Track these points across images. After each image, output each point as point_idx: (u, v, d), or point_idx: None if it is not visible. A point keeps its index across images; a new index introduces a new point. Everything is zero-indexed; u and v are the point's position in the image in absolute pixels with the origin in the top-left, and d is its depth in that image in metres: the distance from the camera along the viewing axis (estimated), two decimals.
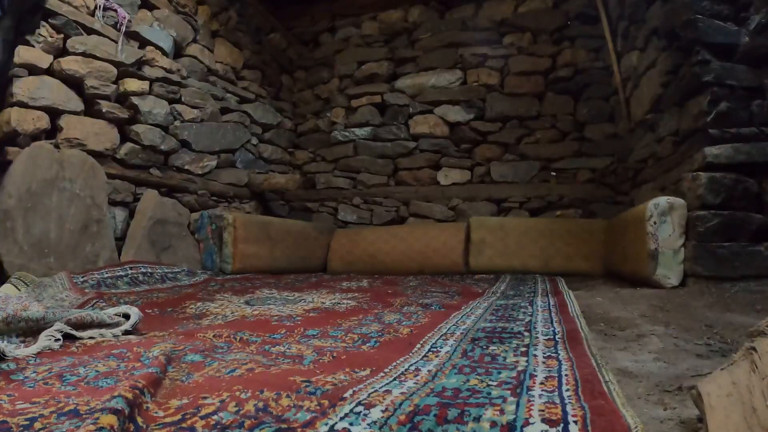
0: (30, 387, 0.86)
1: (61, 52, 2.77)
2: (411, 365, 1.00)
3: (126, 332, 1.33)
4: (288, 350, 1.15)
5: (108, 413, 0.63)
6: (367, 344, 1.23)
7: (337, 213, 4.76)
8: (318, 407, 0.73)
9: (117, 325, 1.33)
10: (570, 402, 0.75)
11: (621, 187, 3.86)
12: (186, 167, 3.62)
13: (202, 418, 0.70)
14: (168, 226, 3.26)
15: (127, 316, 1.38)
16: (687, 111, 2.49)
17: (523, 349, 1.13)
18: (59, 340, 1.17)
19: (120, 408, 0.66)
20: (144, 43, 3.27)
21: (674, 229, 2.28)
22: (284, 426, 0.67)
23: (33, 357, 1.07)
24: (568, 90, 4.25)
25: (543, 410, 0.71)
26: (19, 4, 2.56)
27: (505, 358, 1.05)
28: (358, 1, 4.91)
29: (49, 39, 2.68)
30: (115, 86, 3.04)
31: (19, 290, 1.97)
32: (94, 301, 1.80)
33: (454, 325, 1.46)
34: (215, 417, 0.70)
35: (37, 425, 0.66)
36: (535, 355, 1.06)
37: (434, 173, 4.55)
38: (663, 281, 2.26)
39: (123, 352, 1.09)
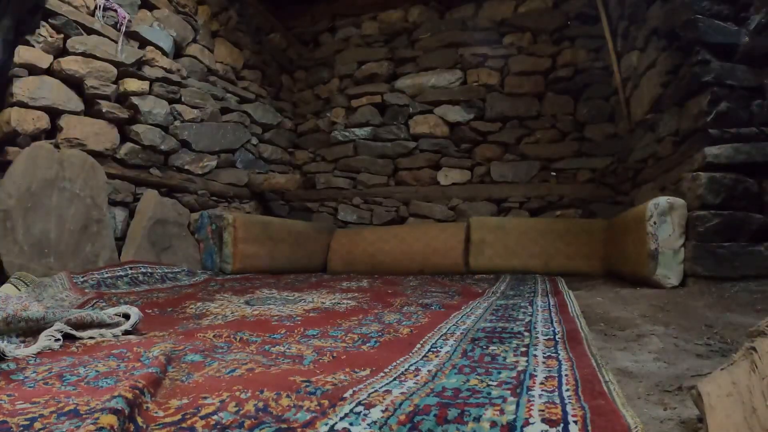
0: (30, 387, 0.85)
1: (61, 52, 2.77)
2: (411, 365, 1.00)
3: (126, 332, 1.33)
4: (288, 350, 1.15)
5: (108, 413, 0.63)
6: (367, 344, 1.22)
7: (337, 213, 4.76)
8: (318, 407, 0.73)
9: (117, 325, 1.33)
10: (570, 402, 0.74)
11: (621, 187, 3.86)
12: (186, 167, 3.62)
13: (202, 418, 0.70)
14: (168, 226, 3.26)
15: (127, 316, 1.38)
16: (687, 111, 2.49)
17: (523, 349, 1.13)
18: (59, 340, 1.17)
19: (120, 408, 0.66)
20: (144, 43, 3.27)
21: (674, 229, 2.28)
22: (284, 426, 0.67)
23: (33, 357, 1.07)
24: (568, 90, 4.26)
25: (543, 410, 0.71)
26: (19, 4, 2.56)
27: (505, 358, 1.05)
28: (358, 1, 4.91)
29: (49, 39, 2.68)
30: (115, 86, 3.04)
31: (19, 290, 1.97)
32: (94, 301, 1.80)
33: (454, 325, 1.46)
34: (215, 417, 0.70)
35: (37, 425, 0.66)
36: (535, 355, 1.06)
37: (434, 173, 4.55)
38: (663, 281, 2.26)
39: (123, 352, 1.09)
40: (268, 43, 4.77)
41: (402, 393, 0.80)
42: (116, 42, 3.04)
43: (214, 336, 1.29)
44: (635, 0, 3.12)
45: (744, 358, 0.67)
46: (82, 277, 2.31)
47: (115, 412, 0.64)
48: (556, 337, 1.26)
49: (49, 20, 2.68)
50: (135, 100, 3.14)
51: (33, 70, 2.61)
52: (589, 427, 0.65)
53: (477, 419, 0.68)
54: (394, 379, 0.89)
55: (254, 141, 4.47)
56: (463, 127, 4.47)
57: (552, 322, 1.47)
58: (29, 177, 2.44)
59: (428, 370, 0.95)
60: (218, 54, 4.06)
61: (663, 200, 2.32)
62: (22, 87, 2.55)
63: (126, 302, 1.90)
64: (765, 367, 0.61)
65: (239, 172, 4.22)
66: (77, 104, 2.83)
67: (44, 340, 1.14)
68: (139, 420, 0.68)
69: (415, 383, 0.86)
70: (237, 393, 0.80)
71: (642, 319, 1.62)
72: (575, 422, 0.66)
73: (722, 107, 2.25)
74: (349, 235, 4.28)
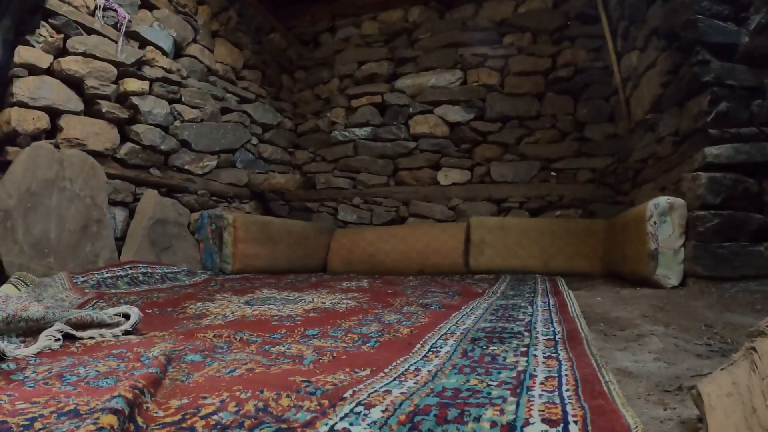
0: (30, 387, 0.86)
1: (61, 52, 2.77)
2: (411, 365, 1.00)
3: (126, 332, 1.33)
4: (288, 350, 1.15)
5: (108, 413, 0.63)
6: (367, 344, 1.23)
7: (337, 213, 4.76)
8: (318, 407, 0.73)
9: (117, 325, 1.33)
10: (570, 402, 0.75)
11: (621, 187, 3.86)
12: (186, 167, 3.62)
13: (202, 418, 0.70)
14: (168, 226, 3.26)
15: (127, 316, 1.38)
16: (687, 111, 2.49)
17: (523, 349, 1.13)
18: (59, 340, 1.17)
19: (120, 408, 0.66)
20: (144, 43, 3.27)
21: (674, 229, 2.28)
22: (284, 426, 0.67)
23: (33, 357, 1.07)
24: (568, 90, 4.25)
25: (543, 410, 0.71)
26: (19, 4, 2.56)
27: (505, 358, 1.05)
28: (358, 1, 4.91)
29: (49, 39, 2.68)
30: (115, 86, 3.04)
31: (19, 290, 1.97)
32: (94, 301, 1.80)
33: (454, 325, 1.46)
34: (215, 417, 0.70)
35: (37, 425, 0.66)
36: (535, 355, 1.06)
37: (434, 173, 4.55)
38: (663, 281, 2.26)
39: (123, 352, 1.09)
40: (268, 43, 4.77)
41: (402, 393, 0.80)
42: (116, 42, 3.04)
43: (214, 336, 1.29)
44: (635, 0, 3.12)
45: (744, 358, 0.67)
46: (82, 277, 2.31)
47: (115, 412, 0.64)
48: (556, 337, 1.26)
49: (49, 20, 2.68)
50: (135, 100, 3.14)
51: (33, 70, 2.61)
52: (589, 427, 0.65)
53: (477, 419, 0.68)
54: (394, 379, 0.89)
55: (254, 141, 4.47)
56: (463, 127, 4.47)
57: (552, 322, 1.47)
58: (29, 177, 2.44)
59: (428, 370, 0.95)
60: (218, 54, 4.06)
61: (663, 200, 2.32)
62: (22, 87, 2.55)
63: (126, 302, 1.90)
64: (765, 367, 0.61)
65: (239, 172, 4.22)
66: (77, 104, 2.84)
67: (44, 340, 1.14)
68: (139, 420, 0.68)
69: (415, 383, 0.86)
70: (237, 393, 0.80)
71: (642, 319, 1.62)
72: (575, 422, 0.66)
73: (722, 107, 2.25)
74: (349, 235, 4.28)
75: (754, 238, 2.19)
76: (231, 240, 3.41)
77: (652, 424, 0.75)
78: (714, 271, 2.16)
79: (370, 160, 4.73)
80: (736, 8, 2.34)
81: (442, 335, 1.31)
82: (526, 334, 1.30)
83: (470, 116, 4.47)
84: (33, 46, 2.61)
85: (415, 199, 4.53)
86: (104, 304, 1.76)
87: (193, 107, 3.68)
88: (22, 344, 1.14)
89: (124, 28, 3.08)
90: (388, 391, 0.81)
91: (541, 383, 0.85)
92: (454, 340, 1.24)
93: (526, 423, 0.67)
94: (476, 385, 0.85)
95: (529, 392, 0.80)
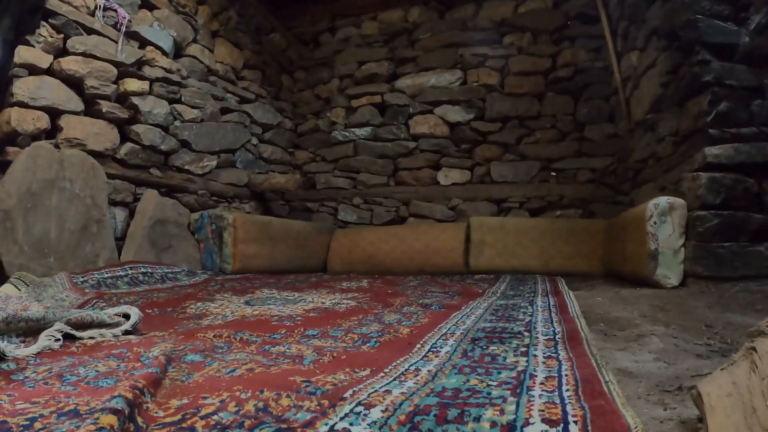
0: (30, 387, 0.86)
1: (61, 52, 2.77)
2: (411, 365, 1.00)
3: (126, 332, 1.33)
4: (288, 350, 1.15)
5: (108, 413, 0.63)
6: (367, 344, 1.22)
7: (337, 213, 4.76)
8: (318, 407, 0.73)
9: (117, 325, 1.33)
10: (570, 402, 0.75)
11: (621, 187, 3.86)
12: (186, 167, 3.62)
13: (202, 418, 0.70)
14: (168, 226, 3.26)
15: (127, 316, 1.38)
16: (687, 111, 2.49)
17: (523, 349, 1.13)
18: (59, 340, 1.17)
19: (120, 408, 0.66)
20: (144, 43, 3.27)
21: (674, 229, 2.28)
22: (284, 426, 0.67)
23: (33, 357, 1.07)
24: (568, 90, 4.25)
25: (543, 410, 0.71)
26: (19, 4, 2.56)
27: (505, 358, 1.05)
28: (358, 1, 4.91)
29: (49, 39, 2.68)
30: (115, 86, 3.04)
31: (19, 290, 1.97)
32: (94, 301, 1.80)
33: (454, 325, 1.46)
34: (215, 417, 0.70)
35: (37, 425, 0.66)
36: (535, 355, 1.06)
37: (434, 173, 4.55)
38: (663, 281, 2.26)
39: (123, 352, 1.09)
40: (268, 43, 4.77)
41: (402, 393, 0.80)
42: (116, 42, 3.04)
43: (214, 336, 1.29)
44: (635, 0, 3.12)
45: (744, 358, 0.67)
46: (82, 277, 2.31)
47: (115, 412, 0.64)
48: (556, 337, 1.26)
49: (49, 20, 2.68)
50: (135, 100, 3.14)
51: (33, 70, 2.61)
52: (589, 427, 0.65)
53: (477, 419, 0.68)
54: (394, 379, 0.89)
55: (254, 141, 4.47)
56: (463, 127, 4.47)
57: (552, 322, 1.47)
58: (29, 177, 2.44)
59: (428, 370, 0.95)
60: (218, 54, 4.06)
61: (663, 200, 2.32)
62: (22, 87, 2.55)
63: (126, 302, 1.90)
64: (765, 367, 0.61)
65: (239, 172, 4.22)
66: (77, 104, 2.84)
67: (44, 340, 1.14)
68: (139, 420, 0.68)
69: (415, 383, 0.86)
70: (237, 393, 0.80)
71: (642, 319, 1.62)
72: (575, 422, 0.66)
73: (722, 107, 2.25)
74: (349, 235, 4.28)
75: (754, 238, 2.19)
76: (231, 240, 3.41)
77: (652, 424, 0.75)
78: (714, 271, 2.16)
79: (370, 160, 4.73)
80: (736, 8, 2.34)
81: (442, 335, 1.31)
82: (526, 334, 1.30)
83: (470, 116, 4.47)
84: (33, 46, 2.62)
85: (415, 199, 4.53)
86: (104, 304, 1.76)
87: (193, 107, 3.68)
88: (22, 344, 1.14)
89: (124, 28, 3.08)
90: (388, 391, 0.81)
91: (541, 383, 0.85)
92: (454, 340, 1.24)
93: (526, 423, 0.67)
94: (476, 385, 0.85)
95: (529, 392, 0.80)
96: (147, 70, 3.28)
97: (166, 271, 2.86)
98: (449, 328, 1.40)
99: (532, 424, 0.66)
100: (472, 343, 1.20)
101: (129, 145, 3.15)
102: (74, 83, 2.81)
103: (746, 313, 1.63)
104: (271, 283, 2.92)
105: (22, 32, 2.61)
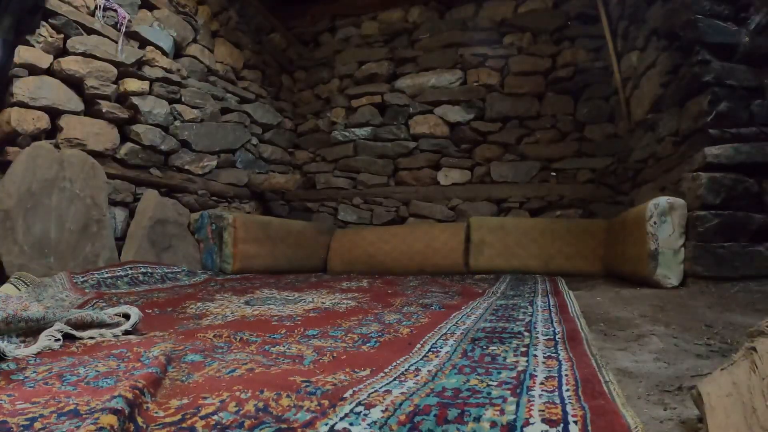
0: (30, 387, 0.85)
1: (61, 52, 2.77)
2: (411, 365, 1.00)
3: (126, 332, 1.32)
4: (288, 350, 1.15)
5: (108, 413, 0.63)
6: (367, 344, 1.22)
7: (337, 213, 4.76)
8: (318, 407, 0.73)
9: (117, 325, 1.33)
10: (570, 402, 0.74)
11: (621, 187, 3.86)
12: (186, 167, 3.62)
13: (202, 418, 0.70)
14: (168, 226, 3.26)
15: (127, 316, 1.38)
16: (687, 111, 2.49)
17: (523, 349, 1.13)
18: (59, 340, 1.17)
19: (120, 408, 0.66)
20: (144, 43, 3.27)
21: (674, 229, 2.28)
22: (284, 426, 0.67)
23: (33, 357, 1.07)
24: (568, 90, 4.26)
25: (543, 410, 0.71)
26: (19, 4, 2.56)
27: (505, 358, 1.05)
28: (358, 1, 4.91)
29: (49, 39, 2.68)
30: (115, 86, 3.04)
31: (19, 290, 1.97)
32: (94, 301, 1.80)
33: (454, 325, 1.46)
34: (215, 417, 0.70)
35: (37, 425, 0.66)
36: (535, 355, 1.06)
37: (434, 173, 4.55)
38: (663, 281, 2.26)
39: (123, 352, 1.09)
40: (268, 43, 4.77)
41: (402, 393, 0.80)
42: (116, 42, 3.04)
43: (214, 336, 1.29)
44: (635, 0, 3.12)
45: (744, 358, 0.67)
46: (82, 277, 2.31)
47: (115, 412, 0.64)
48: (556, 337, 1.26)
49: (49, 20, 2.68)
50: (135, 100, 3.14)
51: (33, 70, 2.61)
52: (589, 427, 0.65)
53: (477, 419, 0.68)
54: (394, 379, 0.89)
55: (254, 141, 4.47)
56: (463, 127, 4.47)
57: (552, 322, 1.47)
58: (29, 177, 2.44)
59: (428, 370, 0.95)
60: (218, 54, 4.06)
61: (663, 200, 2.32)
62: (22, 87, 2.55)
63: (126, 302, 1.90)
64: (765, 367, 0.61)
65: (239, 172, 4.22)
66: (77, 104, 2.83)
67: (44, 340, 1.14)
68: (139, 420, 0.68)
69: (415, 383, 0.86)
70: (237, 393, 0.80)
71: (642, 319, 1.62)
72: (575, 422, 0.66)
73: (722, 107, 2.25)
74: (349, 235, 4.28)
75: (754, 238, 2.19)
76: (231, 240, 3.42)
77: (652, 424, 0.75)
78: (714, 271, 2.16)
79: (370, 160, 4.73)
80: (736, 8, 2.34)
81: (442, 335, 1.31)
82: (526, 334, 1.30)
83: (470, 116, 4.47)
84: (33, 46, 2.61)
85: (415, 199, 4.53)
86: (104, 304, 1.76)
87: (193, 107, 3.68)
88: (22, 344, 1.14)
89: (124, 28, 3.08)
90: (388, 391, 0.81)
91: (541, 383, 0.85)
92: (454, 340, 1.24)
93: (526, 423, 0.67)
94: (476, 385, 0.85)
95: (529, 392, 0.80)
96: (147, 70, 3.28)
97: (166, 271, 2.86)
98: (449, 328, 1.40)
99: (532, 424, 0.66)
100: (472, 343, 1.20)
101: (129, 145, 3.15)
102: (74, 83, 2.81)
103: (746, 313, 1.63)
104: (271, 283, 2.92)
105: (22, 32, 2.61)
